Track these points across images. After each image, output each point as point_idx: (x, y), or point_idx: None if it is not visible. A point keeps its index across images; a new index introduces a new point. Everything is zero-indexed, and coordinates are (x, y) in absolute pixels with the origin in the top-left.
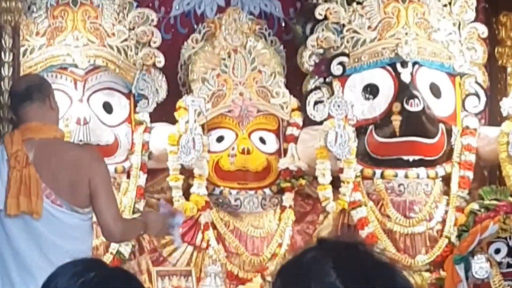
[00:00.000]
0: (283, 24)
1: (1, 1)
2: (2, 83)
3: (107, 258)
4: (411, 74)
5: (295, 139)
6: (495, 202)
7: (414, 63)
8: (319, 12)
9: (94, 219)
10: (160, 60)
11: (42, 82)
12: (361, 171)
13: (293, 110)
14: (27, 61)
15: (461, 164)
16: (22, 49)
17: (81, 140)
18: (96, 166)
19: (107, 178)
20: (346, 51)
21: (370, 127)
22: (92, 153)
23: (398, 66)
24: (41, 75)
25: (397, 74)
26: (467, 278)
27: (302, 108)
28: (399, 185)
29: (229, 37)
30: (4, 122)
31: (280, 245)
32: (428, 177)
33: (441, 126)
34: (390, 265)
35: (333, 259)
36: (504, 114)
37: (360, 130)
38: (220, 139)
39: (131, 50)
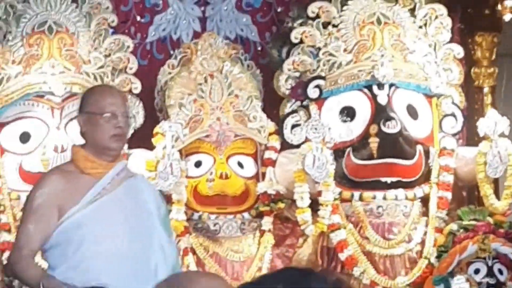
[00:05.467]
0: (259, 48)
1: None
2: None
3: None
4: (388, 96)
5: (273, 163)
6: (473, 222)
7: (391, 85)
8: (295, 36)
9: None
10: (137, 86)
11: None
12: (340, 194)
13: (270, 134)
14: (4, 90)
15: (439, 185)
16: None
17: None
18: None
19: (26, 206)
20: (323, 74)
21: (348, 149)
22: None
23: (375, 88)
24: None
25: (374, 96)
26: None
27: (279, 132)
28: (377, 207)
29: (205, 62)
30: None
31: (260, 269)
32: (406, 198)
33: (419, 147)
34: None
35: (284, 282)
36: (481, 134)
37: (338, 152)
38: (198, 164)
39: (107, 77)
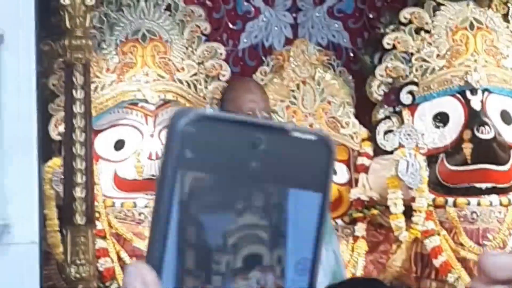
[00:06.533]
0: (351, 54)
1: (72, 39)
2: (74, 121)
3: None
4: (481, 101)
5: (366, 169)
6: None
7: (484, 90)
8: (387, 42)
9: None
10: None
11: None
12: (433, 200)
13: (363, 140)
14: (98, 98)
15: None
16: (92, 86)
17: (153, 175)
18: None
19: None
20: (415, 79)
21: (441, 155)
22: None
23: (468, 93)
24: None
25: (467, 102)
26: None
27: (372, 138)
28: (472, 213)
29: (297, 69)
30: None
31: (353, 275)
32: (501, 204)
33: None
34: None
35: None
36: None
37: (431, 158)
38: None
39: (200, 84)
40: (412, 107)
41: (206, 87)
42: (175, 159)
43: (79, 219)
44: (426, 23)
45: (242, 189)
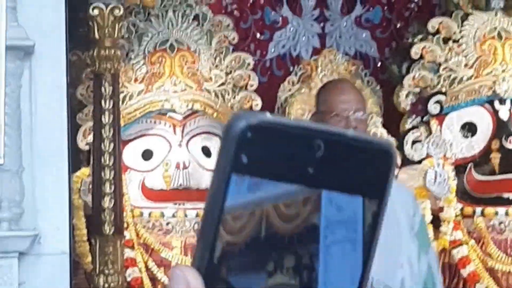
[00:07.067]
0: (379, 64)
1: (100, 49)
2: (103, 131)
3: None
4: (510, 111)
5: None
6: None
7: None
8: (415, 51)
9: None
10: (257, 103)
11: None
12: (461, 210)
13: None
14: (126, 108)
15: None
16: (121, 96)
17: (180, 185)
18: None
19: None
20: (443, 89)
21: (469, 165)
22: None
23: (496, 103)
24: None
25: (495, 112)
26: None
27: (400, 148)
28: (500, 223)
29: (325, 79)
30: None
31: None
32: None
33: None
34: None
35: None
36: None
37: (459, 168)
38: None
39: (228, 94)
40: (440, 117)
41: (234, 97)
42: (230, 163)
43: (108, 229)
44: (454, 33)
45: (274, 251)
